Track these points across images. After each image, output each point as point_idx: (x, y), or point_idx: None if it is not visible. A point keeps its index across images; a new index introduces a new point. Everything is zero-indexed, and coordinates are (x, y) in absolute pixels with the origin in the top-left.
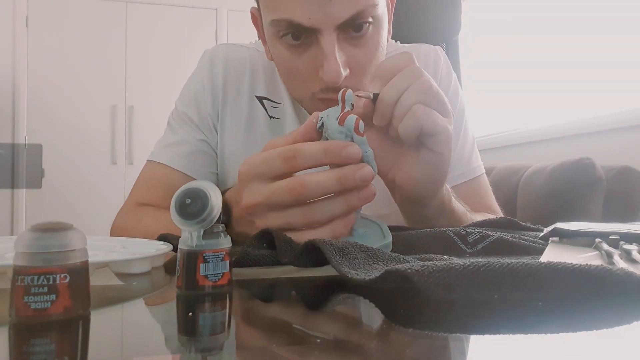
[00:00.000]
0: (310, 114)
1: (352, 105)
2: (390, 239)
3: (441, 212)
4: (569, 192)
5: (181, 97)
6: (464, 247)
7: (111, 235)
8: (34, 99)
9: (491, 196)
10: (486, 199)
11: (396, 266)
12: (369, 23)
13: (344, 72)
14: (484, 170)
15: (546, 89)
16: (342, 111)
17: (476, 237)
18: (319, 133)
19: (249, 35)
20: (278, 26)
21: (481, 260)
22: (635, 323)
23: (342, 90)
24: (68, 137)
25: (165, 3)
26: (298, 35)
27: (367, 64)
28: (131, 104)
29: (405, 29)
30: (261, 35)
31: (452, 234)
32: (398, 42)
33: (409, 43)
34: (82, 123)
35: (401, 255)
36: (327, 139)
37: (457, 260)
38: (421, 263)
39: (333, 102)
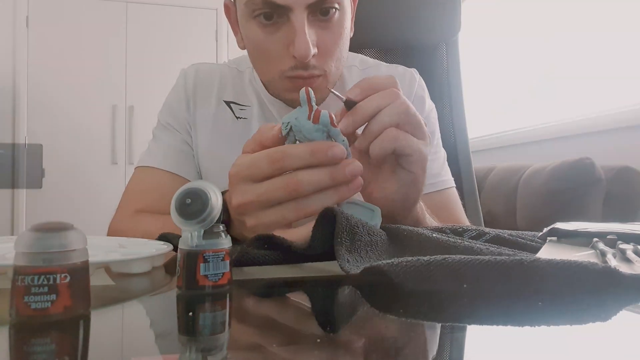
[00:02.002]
0: (278, 95)
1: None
2: (378, 221)
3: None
4: (569, 192)
5: (161, 111)
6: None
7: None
8: (34, 99)
9: (461, 210)
10: (457, 211)
11: (377, 262)
12: (335, 9)
13: (313, 50)
14: (454, 185)
15: (546, 88)
16: (310, 111)
17: (473, 235)
18: (282, 139)
19: None
20: (253, 5)
21: (457, 256)
22: (612, 317)
23: (303, 89)
24: (68, 137)
25: (165, 3)
26: (270, 16)
27: (332, 46)
28: (131, 104)
29: (404, 29)
30: (233, 25)
31: (448, 230)
32: (378, 60)
33: (407, 45)
34: (82, 123)
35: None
36: (299, 142)
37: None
38: (402, 259)
39: (301, 81)
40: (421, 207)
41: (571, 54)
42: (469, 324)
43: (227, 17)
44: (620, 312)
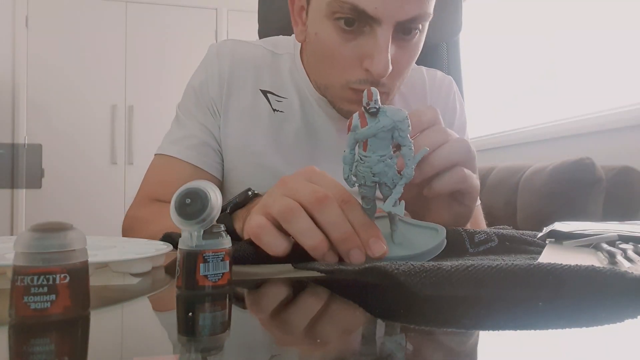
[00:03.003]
0: (333, 103)
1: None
2: (441, 241)
3: None
4: (569, 192)
5: (188, 90)
6: (468, 246)
7: (125, 226)
8: (33, 99)
9: (483, 222)
10: (482, 225)
11: (379, 264)
12: (419, 30)
13: (390, 68)
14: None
15: (547, 88)
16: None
17: (482, 238)
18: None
19: (248, 35)
20: (338, 7)
21: (469, 261)
22: (627, 321)
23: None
24: (68, 137)
25: (165, 3)
26: (352, 22)
27: (406, 67)
28: (131, 104)
29: None
30: (296, 15)
31: (462, 231)
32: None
33: None
34: (82, 123)
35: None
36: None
37: (446, 263)
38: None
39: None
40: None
41: (571, 53)
42: (481, 329)
43: (289, 5)
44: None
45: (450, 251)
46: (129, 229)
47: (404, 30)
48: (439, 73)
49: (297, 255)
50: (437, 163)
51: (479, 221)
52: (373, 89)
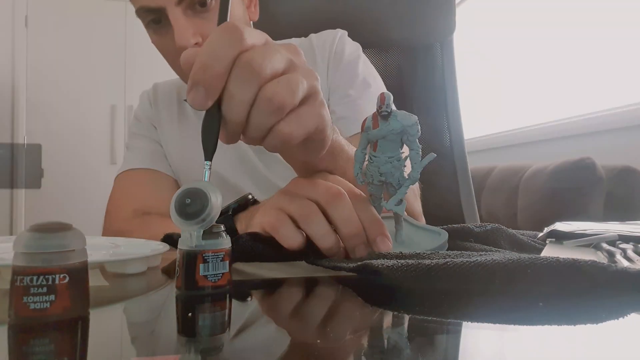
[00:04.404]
0: None
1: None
2: (443, 244)
3: (332, 157)
4: (570, 192)
5: (130, 125)
6: (473, 227)
7: None
8: (33, 99)
9: (418, 205)
10: (415, 207)
11: (370, 261)
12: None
13: (194, 39)
14: None
15: (546, 88)
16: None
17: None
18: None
19: None
20: (140, 16)
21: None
22: (624, 318)
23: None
24: (67, 137)
25: None
26: (158, 20)
27: None
28: (131, 104)
29: (399, 29)
30: None
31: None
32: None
33: (401, 45)
34: (81, 123)
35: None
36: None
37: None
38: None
39: None
40: (333, 129)
41: (572, 53)
42: (476, 321)
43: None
44: (631, 314)
45: (456, 234)
46: None
47: (199, 2)
48: (327, 31)
49: (298, 252)
50: (251, 134)
51: (411, 201)
52: (387, 93)
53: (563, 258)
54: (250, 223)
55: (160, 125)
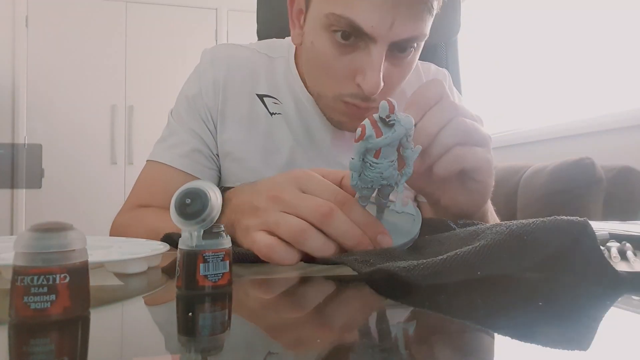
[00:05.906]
0: (324, 112)
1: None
2: (414, 234)
3: (484, 215)
4: (569, 192)
5: (181, 97)
6: (454, 226)
7: (111, 235)
8: (33, 99)
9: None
10: (496, 219)
11: (386, 264)
12: (413, 48)
13: (381, 86)
14: None
15: (546, 88)
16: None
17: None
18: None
19: (248, 35)
20: (335, 21)
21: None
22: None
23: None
24: (68, 137)
25: (165, 3)
26: (348, 36)
27: (397, 83)
28: (131, 104)
29: None
30: (295, 17)
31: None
32: None
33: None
34: (81, 123)
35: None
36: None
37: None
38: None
39: (355, 109)
40: (488, 203)
41: (571, 53)
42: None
43: (288, 6)
44: (610, 308)
45: (437, 230)
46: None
47: (399, 48)
48: (433, 66)
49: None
50: (437, 150)
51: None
52: (394, 101)
53: (549, 218)
54: (239, 227)
55: (224, 120)
